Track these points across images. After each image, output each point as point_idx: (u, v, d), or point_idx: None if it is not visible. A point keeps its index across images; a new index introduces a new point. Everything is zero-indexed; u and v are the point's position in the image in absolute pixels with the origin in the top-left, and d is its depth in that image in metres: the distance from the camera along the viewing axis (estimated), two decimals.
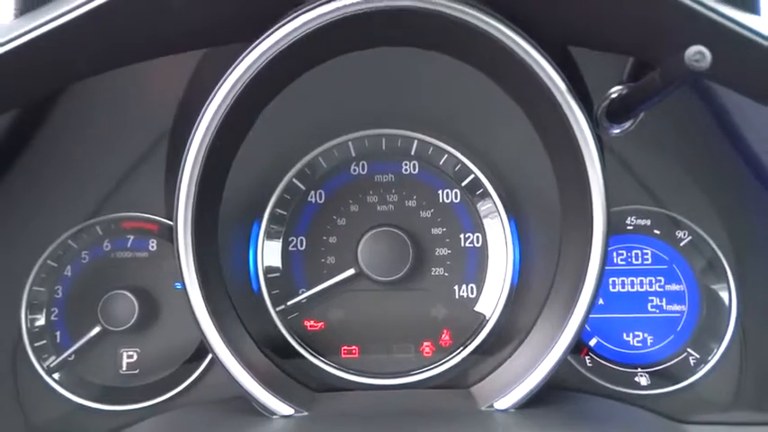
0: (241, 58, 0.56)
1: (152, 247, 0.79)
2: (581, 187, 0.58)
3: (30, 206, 0.75)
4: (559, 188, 0.65)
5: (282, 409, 0.60)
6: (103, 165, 0.77)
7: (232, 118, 0.57)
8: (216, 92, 0.56)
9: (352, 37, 0.58)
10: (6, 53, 0.46)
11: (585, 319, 0.64)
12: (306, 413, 0.60)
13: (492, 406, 0.62)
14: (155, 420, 0.69)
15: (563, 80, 0.56)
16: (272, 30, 0.54)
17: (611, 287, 0.81)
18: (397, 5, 0.52)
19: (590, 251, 0.62)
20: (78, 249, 0.78)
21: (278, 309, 0.78)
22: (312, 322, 0.79)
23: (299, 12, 0.53)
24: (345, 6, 0.53)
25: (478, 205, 0.81)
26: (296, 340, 0.78)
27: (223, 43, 0.62)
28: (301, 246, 0.80)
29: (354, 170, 0.82)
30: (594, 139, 0.57)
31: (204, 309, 0.59)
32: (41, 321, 0.76)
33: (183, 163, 0.59)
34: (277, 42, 0.54)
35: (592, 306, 0.64)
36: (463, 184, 0.82)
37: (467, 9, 0.53)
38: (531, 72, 0.55)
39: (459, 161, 0.81)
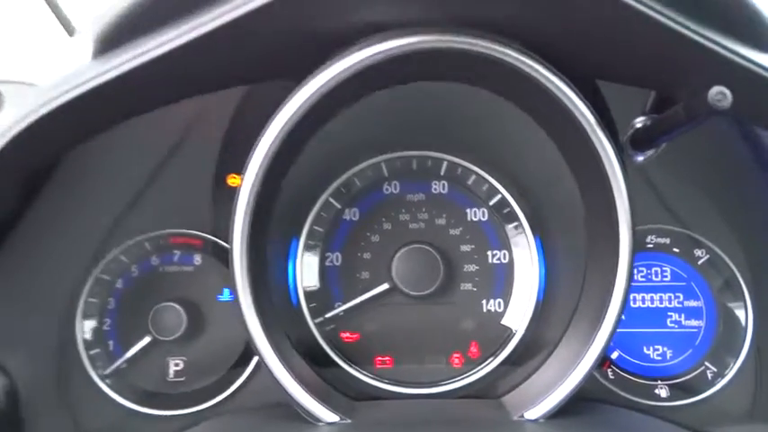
0: (295, 92, 0.60)
1: (197, 261, 0.84)
2: (608, 211, 0.62)
3: (85, 223, 0.80)
4: (586, 210, 0.69)
5: (327, 416, 0.65)
6: (151, 187, 0.82)
7: (284, 147, 0.62)
8: (270, 123, 0.61)
9: (395, 74, 0.62)
10: (89, 91, 0.51)
11: (612, 335, 0.68)
12: (349, 420, 0.64)
13: (522, 416, 0.66)
14: (203, 426, 0.73)
15: (592, 114, 0.60)
16: (326, 66, 0.59)
17: (632, 303, 0.85)
18: (443, 46, 0.57)
19: (616, 271, 0.66)
20: (128, 263, 0.82)
21: (316, 321, 0.83)
22: (348, 334, 0.83)
23: (355, 49, 0.58)
24: (398, 47, 0.57)
25: (505, 224, 0.85)
26: (333, 351, 0.82)
27: (270, 80, 0.67)
28: (337, 261, 0.85)
29: (387, 189, 0.87)
30: (621, 167, 0.61)
31: (256, 320, 0.64)
32: (95, 331, 0.81)
33: (239, 190, 0.63)
34: (332, 78, 0.59)
35: (618, 323, 0.67)
36: (491, 203, 0.86)
37: (506, 50, 0.57)
38: (563, 106, 0.59)
39: (487, 182, 0.86)
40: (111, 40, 0.52)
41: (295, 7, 0.51)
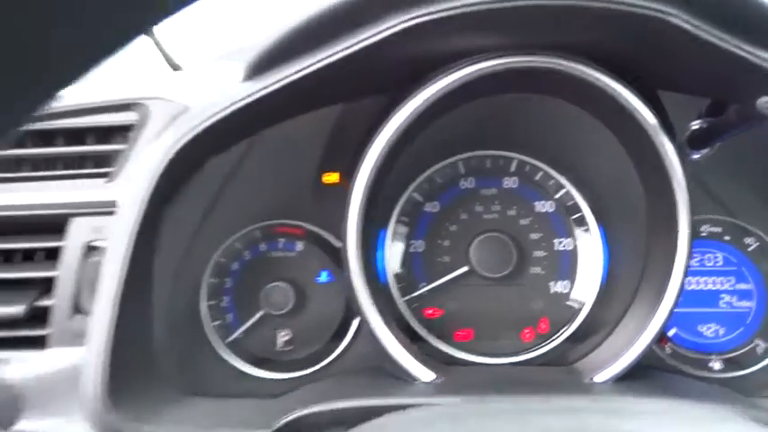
0: (404, 103, 0.72)
1: (298, 248, 0.97)
2: (668, 203, 0.72)
3: (209, 215, 0.93)
4: (648, 202, 0.79)
5: (425, 375, 0.76)
6: (260, 183, 0.95)
7: (390, 152, 0.74)
8: (380, 132, 0.74)
9: (487, 88, 0.73)
10: (246, 105, 0.64)
11: (670, 314, 0.78)
12: (444, 379, 0.76)
13: (592, 379, 0.76)
14: (312, 386, 0.86)
15: (656, 119, 0.70)
16: (433, 81, 0.70)
17: (687, 286, 0.94)
18: (534, 66, 0.68)
19: (675, 256, 0.76)
20: (242, 249, 0.96)
21: (404, 299, 0.94)
22: (431, 311, 0.95)
23: (459, 67, 0.69)
24: (499, 64, 0.69)
25: (570, 215, 0.95)
26: (418, 325, 0.94)
27: (369, 96, 0.80)
28: (420, 248, 0.97)
29: (463, 185, 0.98)
30: (681, 164, 0.71)
31: (366, 294, 0.76)
32: (216, 307, 0.94)
33: (352, 189, 0.76)
34: (438, 91, 0.71)
35: (676, 303, 0.77)
36: (556, 196, 0.96)
37: (586, 69, 0.68)
38: (633, 114, 0.70)
39: (553, 177, 0.96)
40: (260, 67, 0.65)
41: (413, 38, 0.62)
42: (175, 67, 1.16)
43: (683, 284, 0.77)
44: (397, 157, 0.86)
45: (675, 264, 0.77)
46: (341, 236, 0.82)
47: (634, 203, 0.90)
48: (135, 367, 0.73)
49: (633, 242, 0.90)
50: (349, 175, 0.93)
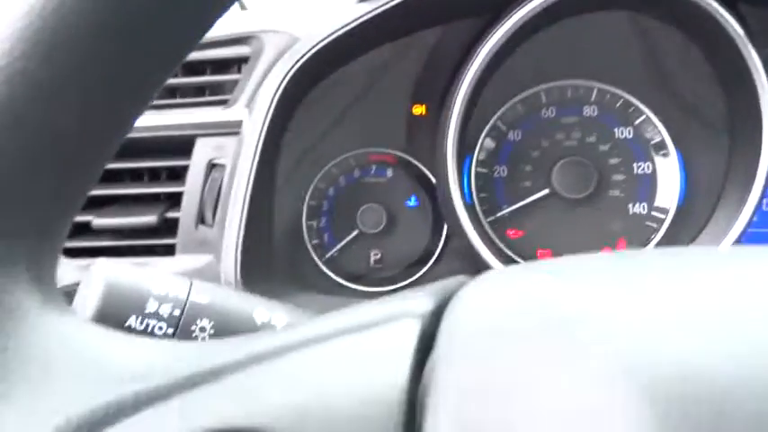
0: (496, 29, 0.78)
1: (389, 174, 1.05)
2: (753, 117, 0.76)
3: (312, 142, 1.02)
4: (731, 123, 0.83)
5: None
6: (354, 113, 1.03)
7: (480, 80, 0.80)
8: (473, 60, 0.80)
9: (573, 7, 0.79)
10: (359, 24, 0.71)
11: (743, 233, 0.82)
12: None
13: None
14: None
15: (743, 30, 0.74)
16: (524, 3, 0.76)
17: (764, 206, 0.97)
18: None
19: (755, 175, 0.80)
20: (337, 174, 1.04)
21: (488, 220, 1.02)
22: (513, 231, 1.02)
23: None
24: None
25: (649, 140, 1.00)
26: (503, 245, 1.01)
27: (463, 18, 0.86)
28: (503, 173, 1.03)
29: (545, 114, 1.03)
30: (766, 75, 0.75)
31: (462, 208, 0.84)
32: (314, 227, 1.04)
33: (448, 119, 0.83)
34: (528, 12, 0.77)
35: (750, 223, 0.82)
36: (636, 123, 1.00)
37: None
38: (721, 26, 0.74)
39: (633, 104, 1.00)
40: None
41: None
42: (243, 7, 1.25)
43: (758, 205, 0.81)
44: (485, 87, 0.92)
45: (755, 183, 0.81)
46: (436, 163, 0.90)
47: (715, 125, 0.94)
48: (259, 266, 0.83)
49: (712, 164, 0.94)
50: (437, 106, 1.00)
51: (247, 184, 0.82)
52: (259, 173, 0.83)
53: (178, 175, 0.90)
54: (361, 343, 0.26)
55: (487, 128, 1.03)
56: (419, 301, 0.28)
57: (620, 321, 0.23)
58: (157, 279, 0.48)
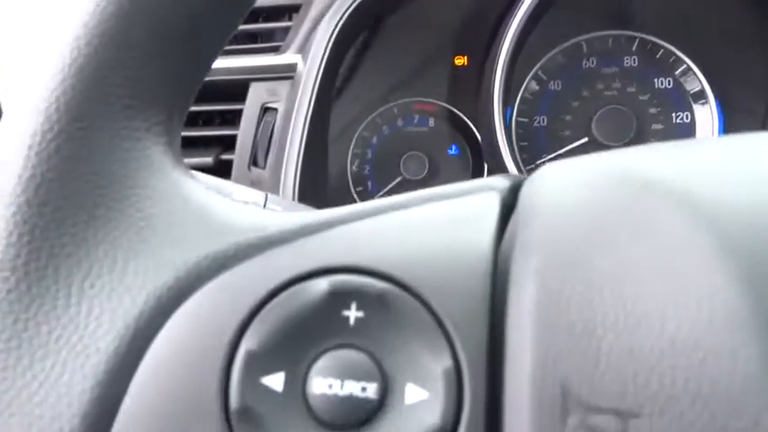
0: None
1: (431, 123, 1.08)
2: None
3: (354, 92, 1.06)
4: None
5: None
6: (398, 63, 1.06)
7: (523, 31, 0.83)
8: (516, 13, 0.83)
9: None
10: None
11: None
12: None
13: None
14: None
15: None
16: None
17: None
18: None
19: None
20: (381, 124, 1.08)
21: (527, 168, 1.04)
22: None
23: None
24: None
25: (688, 89, 1.01)
26: None
27: None
28: (543, 123, 1.05)
29: (585, 64, 1.05)
30: None
31: (511, 160, 0.87)
32: (358, 174, 1.08)
33: (494, 70, 0.86)
34: None
35: None
36: (676, 73, 1.02)
37: None
38: None
39: (674, 54, 1.01)
40: None
41: None
42: None
43: None
44: (527, 38, 0.94)
45: None
46: (479, 113, 0.93)
47: (754, 75, 0.95)
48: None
49: (750, 114, 0.96)
50: (479, 58, 1.03)
51: (304, 127, 0.86)
52: (315, 116, 0.86)
53: (231, 119, 0.95)
54: (447, 208, 0.29)
55: (529, 78, 1.05)
56: (498, 179, 0.31)
57: (703, 186, 0.23)
58: (236, 186, 0.52)
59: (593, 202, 0.25)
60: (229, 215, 0.27)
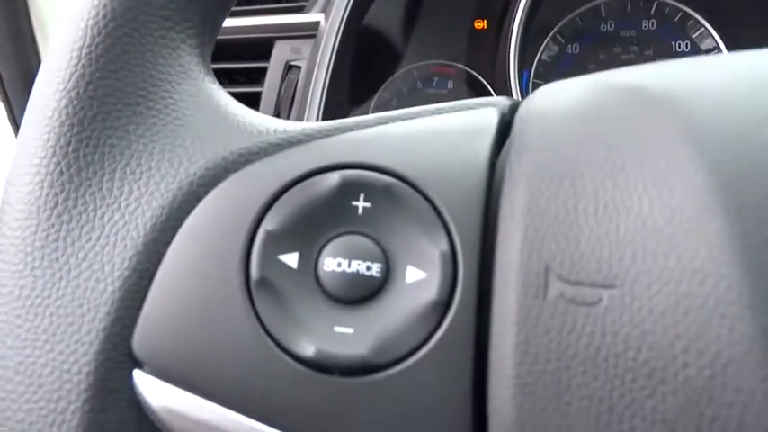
0: None
1: (450, 86, 1.10)
2: None
3: (373, 54, 1.08)
4: None
5: None
6: (418, 27, 1.08)
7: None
8: None
9: None
10: None
11: None
12: None
13: None
14: None
15: None
16: None
17: None
18: None
19: None
20: (400, 85, 1.10)
21: None
22: None
23: None
24: None
25: (707, 53, 1.02)
26: None
27: None
28: None
29: (603, 27, 1.06)
30: None
31: None
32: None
33: (509, 33, 0.88)
34: None
35: None
36: (693, 36, 1.02)
37: None
38: None
39: (692, 17, 1.02)
40: None
41: None
42: None
43: None
44: (542, 1, 0.96)
45: None
46: (496, 76, 0.95)
47: None
48: None
49: None
50: (498, 21, 1.05)
51: (324, 84, 0.89)
52: (335, 74, 0.89)
53: (256, 78, 0.98)
54: (451, 119, 0.32)
55: (546, 41, 1.07)
56: (499, 98, 0.34)
57: (686, 92, 0.25)
58: None
59: (583, 108, 0.27)
60: (255, 119, 0.31)
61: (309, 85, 0.90)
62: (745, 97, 0.25)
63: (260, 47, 0.95)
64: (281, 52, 0.94)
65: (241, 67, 0.98)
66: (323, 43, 0.88)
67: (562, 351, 0.24)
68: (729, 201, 0.22)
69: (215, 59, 1.08)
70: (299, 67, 0.94)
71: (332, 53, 0.88)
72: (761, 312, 0.21)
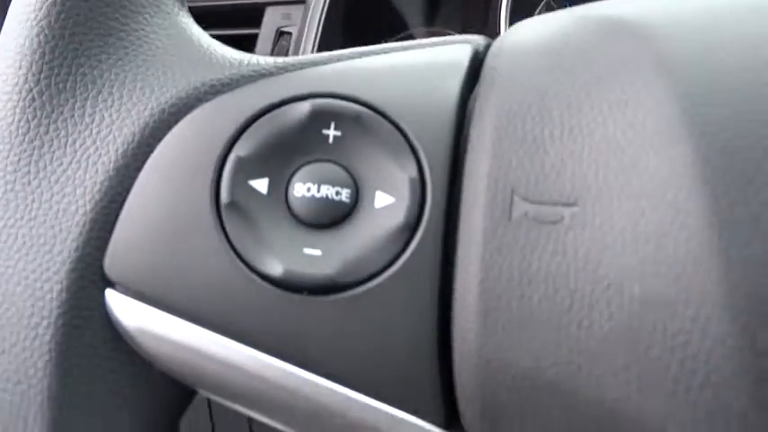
0: None
1: None
2: None
3: (367, 18, 1.08)
4: None
5: None
6: None
7: None
8: None
9: None
10: None
11: None
12: None
13: None
14: None
15: None
16: None
17: None
18: None
19: None
20: None
21: None
22: None
23: None
24: None
25: None
26: None
27: None
28: None
29: None
30: None
31: None
32: None
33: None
34: None
35: None
36: None
37: None
38: None
39: None
40: None
41: None
42: None
43: None
44: None
45: None
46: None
47: None
48: None
49: None
50: None
51: (312, 50, 0.89)
52: (323, 39, 0.89)
53: (248, 46, 0.98)
54: (423, 54, 0.32)
55: (540, 7, 1.06)
56: (474, 36, 0.34)
57: (653, 18, 0.25)
58: None
59: (554, 39, 0.28)
60: (227, 52, 0.31)
61: (298, 51, 0.90)
62: (713, 24, 0.25)
63: (250, 13, 0.95)
64: (272, 19, 0.94)
65: (231, 33, 0.98)
66: (311, 8, 0.88)
67: (525, 268, 0.24)
68: (693, 121, 0.23)
69: (205, 26, 1.08)
70: (290, 34, 0.94)
71: (320, 18, 0.87)
72: (720, 226, 0.21)
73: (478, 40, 0.33)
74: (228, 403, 0.28)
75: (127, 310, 0.26)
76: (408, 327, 0.25)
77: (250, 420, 0.61)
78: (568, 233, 0.24)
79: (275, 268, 0.26)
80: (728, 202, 0.21)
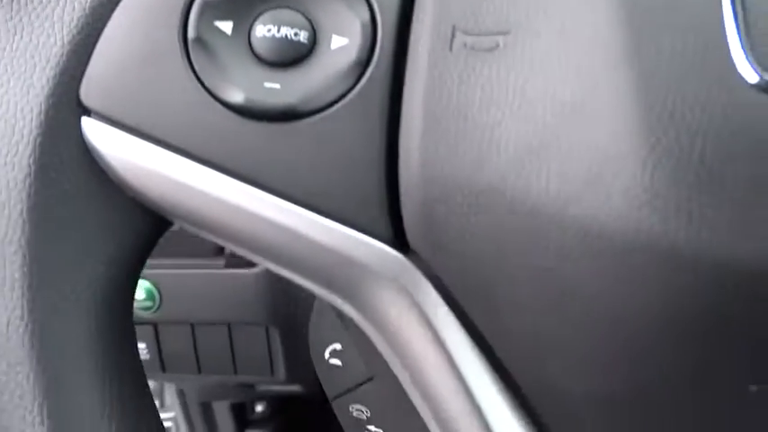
0: None
1: None
2: None
3: None
4: None
5: None
6: None
7: None
8: None
9: None
10: None
11: None
12: None
13: None
14: None
15: None
16: None
17: None
18: None
19: None
20: None
21: None
22: None
23: None
24: None
25: None
26: None
27: None
28: None
29: None
30: None
31: None
32: None
33: None
34: None
35: None
36: None
37: None
38: None
39: None
40: None
41: None
42: None
43: None
44: None
45: None
46: None
47: None
48: None
49: None
50: None
51: None
52: None
53: None
54: None
55: None
56: None
57: None
58: None
59: None
60: None
61: None
62: None
63: None
64: None
65: None
66: None
67: (464, 93, 0.27)
68: None
69: None
70: None
71: None
72: (633, 49, 0.24)
73: None
74: (198, 231, 0.31)
75: (101, 137, 0.29)
76: (360, 150, 0.28)
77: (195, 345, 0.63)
78: (502, 59, 0.26)
79: (236, 96, 0.28)
80: (639, 27, 0.24)
